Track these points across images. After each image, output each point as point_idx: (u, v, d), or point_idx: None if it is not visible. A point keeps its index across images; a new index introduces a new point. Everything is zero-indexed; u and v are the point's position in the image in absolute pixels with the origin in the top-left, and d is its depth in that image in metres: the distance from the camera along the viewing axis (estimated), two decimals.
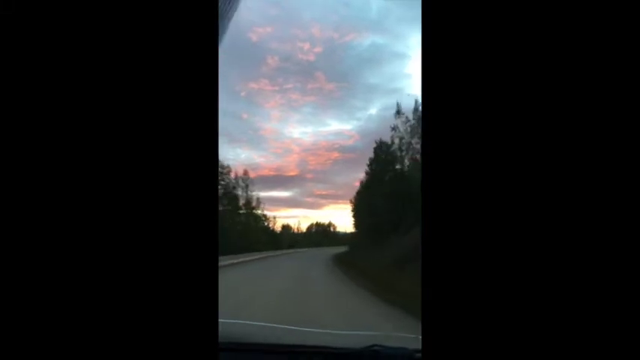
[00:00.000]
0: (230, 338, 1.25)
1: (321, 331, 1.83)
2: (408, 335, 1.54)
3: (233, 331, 1.41)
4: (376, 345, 1.25)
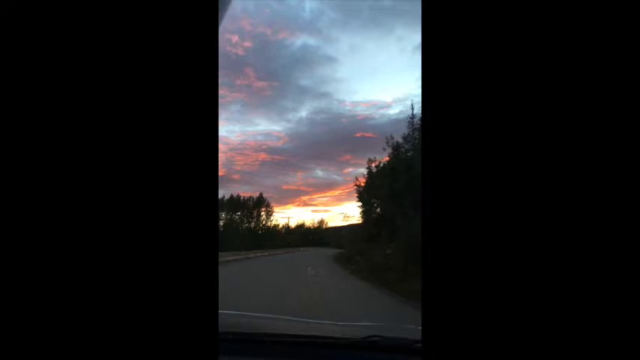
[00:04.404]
0: (232, 328, 1.27)
1: (321, 321, 1.84)
2: (408, 326, 1.55)
3: (234, 322, 1.42)
4: (375, 335, 1.26)
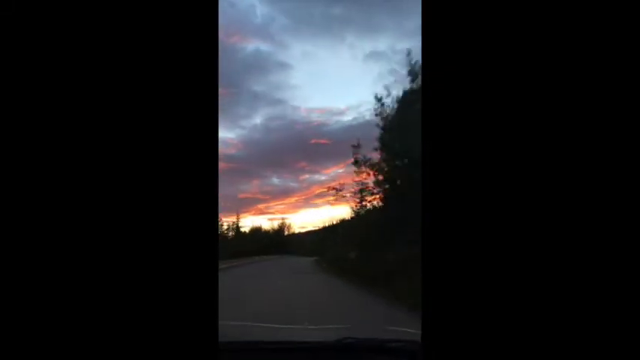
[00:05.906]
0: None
1: (295, 326, 1.85)
2: (382, 326, 1.57)
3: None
4: (349, 337, 1.28)
